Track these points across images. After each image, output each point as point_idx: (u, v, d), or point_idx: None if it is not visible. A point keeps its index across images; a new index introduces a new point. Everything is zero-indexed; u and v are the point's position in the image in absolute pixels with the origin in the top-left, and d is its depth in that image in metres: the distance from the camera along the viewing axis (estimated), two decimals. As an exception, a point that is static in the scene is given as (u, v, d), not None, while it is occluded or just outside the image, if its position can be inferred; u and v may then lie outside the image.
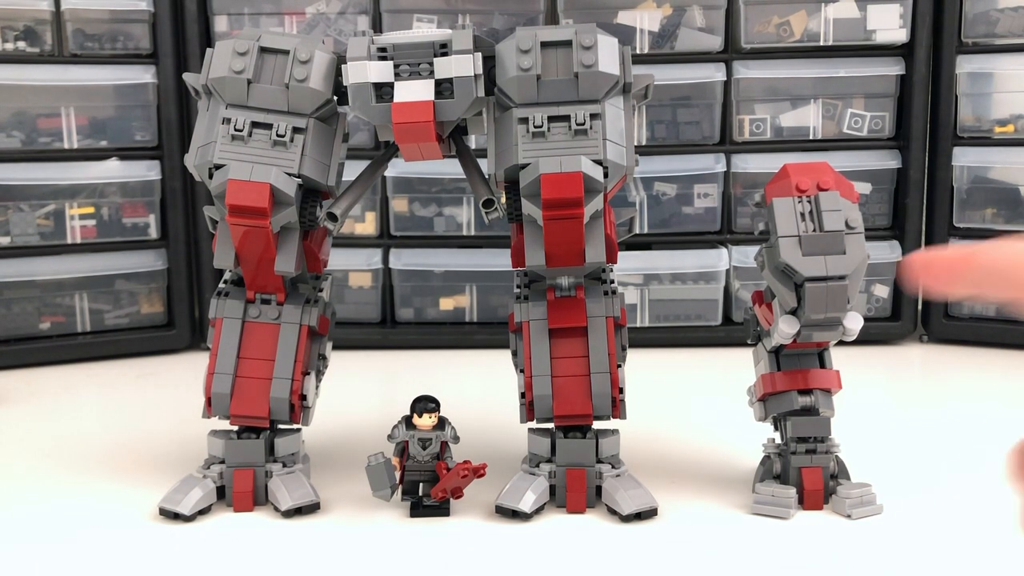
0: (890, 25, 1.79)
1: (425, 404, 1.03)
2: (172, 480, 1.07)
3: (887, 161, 1.83)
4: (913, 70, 1.79)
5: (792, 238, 0.97)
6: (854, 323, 0.99)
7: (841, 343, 1.03)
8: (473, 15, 1.82)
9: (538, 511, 1.03)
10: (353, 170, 1.10)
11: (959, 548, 0.95)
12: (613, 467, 1.05)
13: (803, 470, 1.04)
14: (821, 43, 1.80)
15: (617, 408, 1.05)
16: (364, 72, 1.02)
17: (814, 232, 0.97)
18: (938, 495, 1.08)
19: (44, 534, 1.01)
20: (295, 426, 1.10)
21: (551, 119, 0.99)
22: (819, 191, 0.98)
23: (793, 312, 0.99)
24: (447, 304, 1.90)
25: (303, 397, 1.08)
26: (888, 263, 1.85)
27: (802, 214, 0.98)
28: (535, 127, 0.99)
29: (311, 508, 1.05)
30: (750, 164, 1.83)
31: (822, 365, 1.06)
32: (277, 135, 1.02)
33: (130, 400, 1.58)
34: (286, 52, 1.04)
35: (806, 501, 1.04)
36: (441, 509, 1.03)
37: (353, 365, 1.73)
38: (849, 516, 1.01)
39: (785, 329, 0.99)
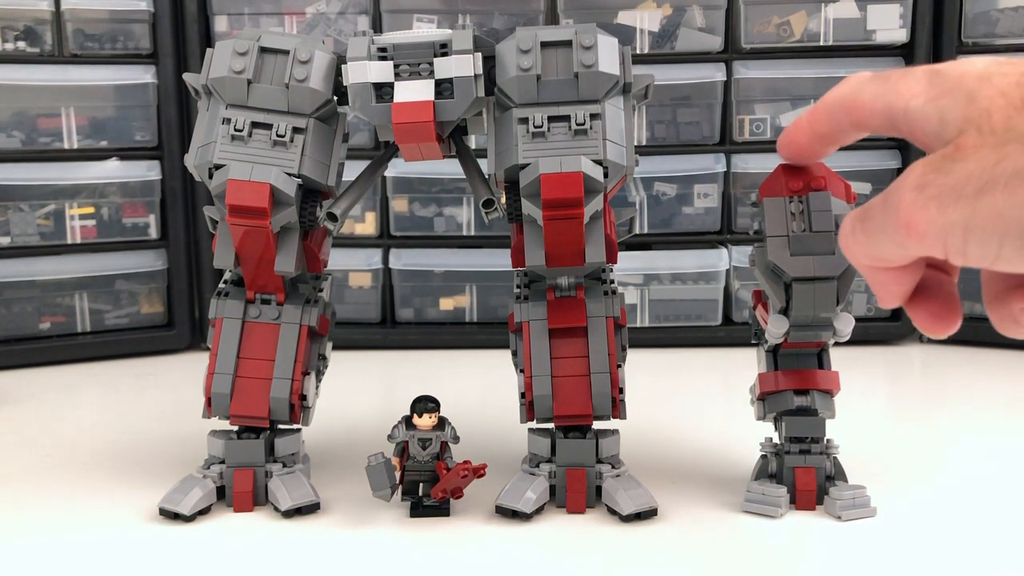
0: (890, 25, 1.79)
1: (425, 404, 1.03)
2: (172, 480, 1.07)
3: (887, 161, 1.83)
4: (913, 70, 1.79)
5: (781, 238, 0.97)
6: (845, 325, 0.99)
7: (839, 343, 1.03)
8: (473, 15, 1.82)
9: (538, 511, 1.03)
10: (353, 170, 1.10)
11: (943, 553, 0.94)
12: (613, 467, 1.05)
13: (797, 470, 1.04)
14: (821, 43, 1.80)
15: (617, 408, 1.05)
16: (364, 72, 1.02)
17: (803, 232, 0.97)
18: (934, 499, 1.08)
19: (44, 534, 1.01)
20: (295, 426, 1.10)
21: (551, 119, 0.99)
22: (811, 191, 0.98)
23: (783, 312, 0.99)
24: (447, 304, 1.90)
25: (303, 397, 1.07)
26: (888, 263, 1.85)
27: (793, 214, 0.98)
28: (535, 127, 0.99)
29: (311, 508, 1.05)
30: (750, 164, 1.83)
31: (821, 365, 1.06)
32: (277, 135, 1.02)
33: (130, 400, 1.58)
34: (286, 52, 1.04)
35: (799, 501, 1.04)
36: (441, 509, 1.03)
37: (353, 365, 1.73)
38: (839, 518, 1.01)
39: (774, 328, 0.99)
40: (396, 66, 1.02)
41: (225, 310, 1.08)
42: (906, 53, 1.80)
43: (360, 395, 1.60)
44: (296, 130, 1.03)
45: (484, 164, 1.04)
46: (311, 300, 1.10)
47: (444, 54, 1.01)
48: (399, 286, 1.89)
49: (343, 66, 1.03)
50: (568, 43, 1.01)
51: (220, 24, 1.83)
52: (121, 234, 1.84)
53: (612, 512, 1.02)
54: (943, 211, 0.54)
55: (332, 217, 1.03)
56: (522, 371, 1.06)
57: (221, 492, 1.06)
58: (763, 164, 1.81)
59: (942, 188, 0.54)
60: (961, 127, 0.56)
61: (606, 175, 0.98)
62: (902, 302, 0.64)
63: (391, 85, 1.02)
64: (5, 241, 1.77)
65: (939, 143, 0.58)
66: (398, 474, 1.03)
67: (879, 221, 0.59)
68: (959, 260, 0.55)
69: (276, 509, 1.04)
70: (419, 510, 1.03)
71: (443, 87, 1.02)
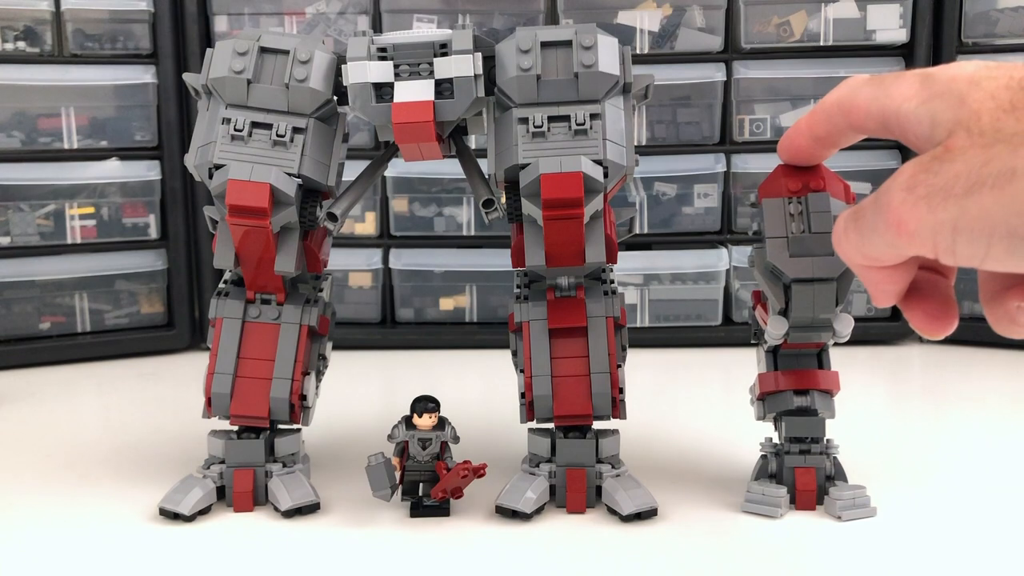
0: (890, 25, 1.79)
1: (425, 404, 1.03)
2: (172, 480, 1.07)
3: (887, 161, 1.84)
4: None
5: (780, 239, 0.97)
6: (844, 326, 0.99)
7: (839, 343, 1.03)
8: (473, 15, 1.82)
9: (538, 511, 1.03)
10: (353, 170, 1.10)
11: (943, 553, 0.94)
12: (613, 467, 1.05)
13: (796, 470, 1.04)
14: (821, 43, 1.80)
15: (617, 408, 1.05)
16: (364, 72, 1.02)
17: (802, 233, 0.97)
18: (934, 499, 1.08)
19: (44, 534, 1.01)
20: (295, 426, 1.10)
21: (551, 119, 0.99)
22: (810, 192, 0.98)
23: (783, 313, 0.99)
24: (447, 304, 1.91)
25: (303, 397, 1.07)
26: (888, 263, 1.85)
27: (792, 215, 0.97)
28: (535, 127, 0.99)
29: (311, 508, 1.05)
30: (750, 164, 1.83)
31: (820, 366, 1.06)
32: (277, 135, 1.02)
33: (130, 400, 1.58)
34: (286, 52, 1.04)
35: (799, 501, 1.04)
36: (441, 509, 1.03)
37: (353, 365, 1.73)
38: (839, 518, 1.01)
39: (773, 330, 0.99)
40: (396, 66, 1.02)
41: (225, 310, 1.08)
42: (906, 53, 1.80)
43: (360, 395, 1.60)
44: (296, 130, 1.03)
45: (484, 164, 1.04)
46: (311, 300, 1.10)
47: (444, 54, 1.01)
48: (399, 286, 1.89)
49: (343, 66, 1.03)
50: (568, 43, 1.01)
51: (220, 24, 1.83)
52: (121, 234, 1.85)
53: (612, 512, 1.02)
54: (932, 210, 0.55)
55: (332, 217, 1.04)
56: (522, 371, 1.06)
57: (221, 492, 1.06)
58: (763, 164, 1.81)
59: (932, 188, 0.55)
60: (951, 128, 0.56)
61: (606, 175, 0.98)
62: (896, 301, 0.64)
63: (391, 85, 1.02)
64: (5, 241, 1.77)
65: (930, 145, 0.58)
66: (398, 474, 1.03)
67: (870, 220, 0.59)
68: (949, 259, 0.56)
69: (276, 509, 1.04)
70: (419, 510, 1.03)
71: (443, 87, 1.02)
